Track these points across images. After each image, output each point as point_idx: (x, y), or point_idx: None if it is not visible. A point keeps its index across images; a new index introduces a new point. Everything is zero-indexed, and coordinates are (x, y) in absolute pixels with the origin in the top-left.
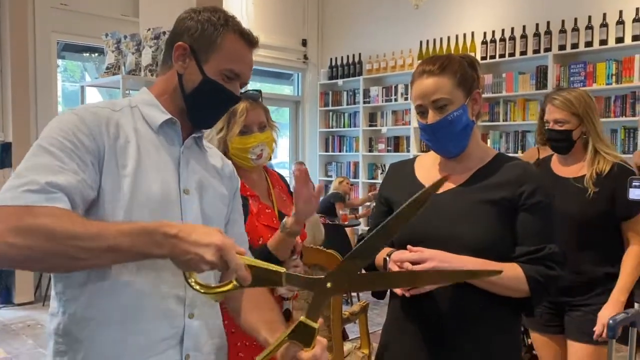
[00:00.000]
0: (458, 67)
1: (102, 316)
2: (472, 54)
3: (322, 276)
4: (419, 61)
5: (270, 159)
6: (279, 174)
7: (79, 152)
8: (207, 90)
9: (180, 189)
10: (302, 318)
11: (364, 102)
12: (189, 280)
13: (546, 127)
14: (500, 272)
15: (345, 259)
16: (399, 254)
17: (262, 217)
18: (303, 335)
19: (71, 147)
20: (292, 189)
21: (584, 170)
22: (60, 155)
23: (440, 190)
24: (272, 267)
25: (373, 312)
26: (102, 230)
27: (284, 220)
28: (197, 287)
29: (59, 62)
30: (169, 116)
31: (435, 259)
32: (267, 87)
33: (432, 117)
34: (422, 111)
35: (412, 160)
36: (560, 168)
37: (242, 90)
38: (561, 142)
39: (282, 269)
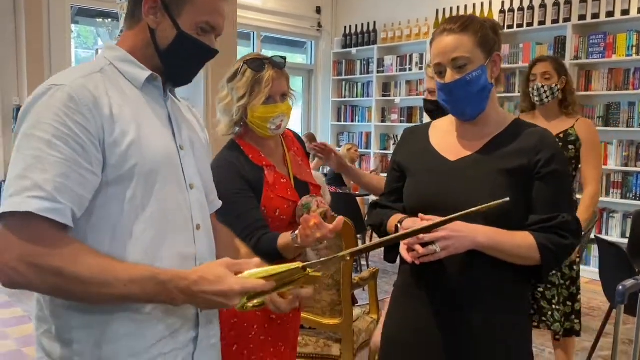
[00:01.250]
0: (480, 27)
1: None
2: None
3: (339, 255)
4: (434, 30)
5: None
6: (294, 133)
7: (77, 138)
8: (183, 46)
9: (177, 145)
10: (309, 270)
11: (378, 72)
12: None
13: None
14: (506, 200)
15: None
16: (410, 222)
17: (278, 189)
18: (307, 280)
19: (68, 133)
20: (308, 150)
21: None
22: (59, 146)
23: (455, 158)
24: (288, 267)
25: (382, 280)
26: (112, 277)
27: (295, 234)
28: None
29: (73, 27)
30: (149, 72)
31: (447, 228)
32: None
33: (450, 76)
34: (440, 71)
35: (427, 125)
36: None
37: (270, 56)
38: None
39: (298, 264)
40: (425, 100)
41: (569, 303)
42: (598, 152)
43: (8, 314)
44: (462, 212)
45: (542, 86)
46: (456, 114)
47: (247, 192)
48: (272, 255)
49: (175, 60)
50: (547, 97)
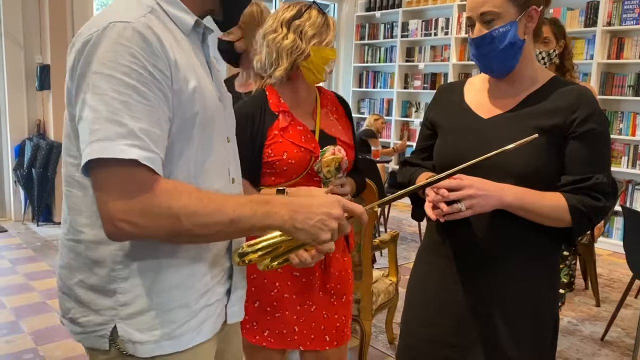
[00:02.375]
0: None
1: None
2: None
3: (367, 207)
4: None
5: None
6: (336, 95)
7: (158, 84)
8: None
9: (217, 96)
10: None
11: (402, 36)
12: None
13: None
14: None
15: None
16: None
17: (291, 133)
18: None
19: (150, 79)
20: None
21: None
22: (145, 92)
23: (488, 116)
24: None
25: (400, 246)
26: (221, 204)
27: (284, 189)
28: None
29: None
30: (195, 17)
31: (473, 186)
32: None
33: (477, 31)
34: (471, 24)
35: (462, 82)
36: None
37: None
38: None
39: None
40: None
41: None
42: None
43: (33, 267)
44: (490, 154)
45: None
46: (484, 70)
47: (245, 145)
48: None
49: (237, 3)
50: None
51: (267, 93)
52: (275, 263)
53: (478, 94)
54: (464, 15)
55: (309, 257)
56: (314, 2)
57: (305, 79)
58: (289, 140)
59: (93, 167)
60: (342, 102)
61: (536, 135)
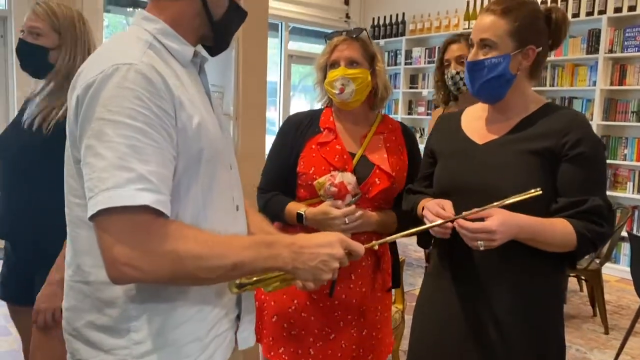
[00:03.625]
0: (524, 15)
1: None
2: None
3: (367, 245)
4: (465, 22)
5: (361, 99)
6: (403, 126)
7: (164, 125)
8: (234, 14)
9: (218, 125)
10: None
11: (406, 64)
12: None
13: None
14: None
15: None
16: (433, 204)
17: (327, 150)
18: None
19: (156, 120)
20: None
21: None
22: (152, 134)
23: (483, 141)
24: None
25: (406, 272)
26: (226, 248)
27: (303, 212)
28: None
29: (104, 17)
30: (193, 48)
31: (497, 231)
32: (307, 47)
33: (472, 54)
34: (471, 45)
35: (460, 111)
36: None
37: (347, 29)
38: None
39: None
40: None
41: None
42: None
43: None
44: (494, 204)
45: (457, 72)
46: (472, 92)
47: (286, 150)
48: (278, 217)
49: (227, 29)
50: (464, 83)
51: (323, 110)
52: (277, 283)
53: (474, 121)
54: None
55: (311, 284)
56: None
57: (332, 100)
58: (322, 155)
59: (101, 213)
60: (406, 133)
61: (540, 191)
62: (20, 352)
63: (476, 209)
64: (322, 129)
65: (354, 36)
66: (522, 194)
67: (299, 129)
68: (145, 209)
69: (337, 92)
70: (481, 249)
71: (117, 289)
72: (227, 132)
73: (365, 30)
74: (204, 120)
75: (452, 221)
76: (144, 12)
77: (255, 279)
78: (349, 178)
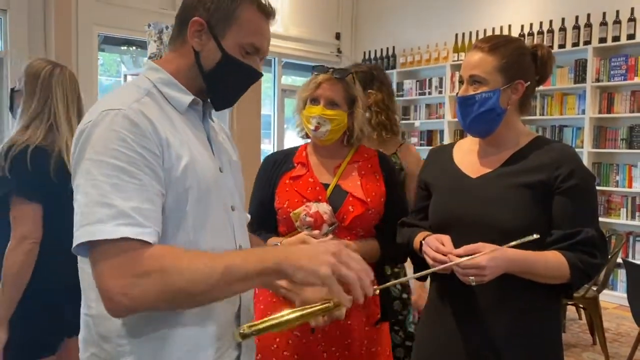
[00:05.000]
0: (511, 52)
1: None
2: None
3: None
4: (454, 54)
5: (334, 138)
6: (381, 155)
7: (148, 163)
8: (227, 68)
9: (218, 168)
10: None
11: (398, 96)
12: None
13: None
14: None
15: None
16: (433, 240)
17: (300, 183)
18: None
19: (139, 159)
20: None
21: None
22: (134, 172)
23: (476, 175)
24: (321, 305)
25: None
26: (214, 256)
27: (278, 244)
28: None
29: (98, 56)
30: (192, 97)
31: (488, 267)
32: (300, 81)
33: (463, 90)
34: (461, 81)
35: (451, 145)
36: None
37: (336, 67)
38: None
39: (330, 303)
40: None
41: None
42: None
43: None
44: (492, 250)
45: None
46: (463, 127)
47: (264, 187)
48: None
49: (220, 83)
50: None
51: (299, 147)
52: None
53: (466, 155)
54: (457, 74)
55: (321, 320)
56: (314, 66)
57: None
58: (295, 189)
59: (89, 248)
60: (383, 160)
61: (537, 236)
62: None
63: (470, 257)
64: (295, 164)
65: (338, 77)
66: (520, 239)
67: (275, 166)
68: (127, 240)
69: (312, 128)
70: (473, 284)
71: (111, 324)
72: (235, 176)
73: (353, 73)
74: (194, 161)
75: (447, 267)
76: (151, 63)
77: (260, 327)
78: (324, 208)
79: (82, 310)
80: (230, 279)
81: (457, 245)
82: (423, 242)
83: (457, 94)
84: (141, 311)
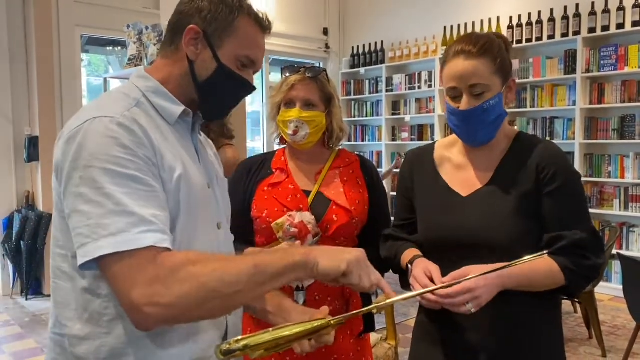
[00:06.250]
0: (498, 51)
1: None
2: None
3: (363, 310)
4: (443, 48)
5: (314, 141)
6: (362, 159)
7: (153, 169)
8: (222, 79)
9: (206, 184)
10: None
11: (387, 91)
12: None
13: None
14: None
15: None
16: (420, 263)
17: (280, 190)
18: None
19: (145, 165)
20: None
21: None
22: (144, 179)
23: (467, 193)
24: (318, 323)
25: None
26: (237, 258)
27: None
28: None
29: (83, 56)
30: (182, 107)
31: (478, 287)
32: None
33: (466, 103)
34: (455, 95)
35: (431, 148)
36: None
37: (310, 66)
38: None
39: (325, 320)
40: None
41: None
42: None
43: (20, 345)
44: (493, 269)
45: None
46: (467, 141)
47: (239, 196)
48: None
49: (213, 93)
50: None
51: (276, 152)
52: (262, 351)
53: (453, 169)
54: None
55: (307, 346)
56: (292, 65)
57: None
58: (274, 197)
59: (105, 262)
60: (364, 165)
61: (545, 253)
62: None
63: (451, 282)
64: (273, 170)
65: (312, 76)
66: (529, 257)
67: (250, 174)
68: (149, 249)
69: (290, 133)
70: (472, 310)
71: (89, 345)
72: (222, 193)
73: (325, 71)
74: (186, 174)
75: (432, 292)
76: (141, 71)
77: (244, 343)
78: (308, 217)
79: (53, 329)
80: (261, 277)
81: (456, 266)
82: (411, 267)
83: (452, 107)
84: (171, 322)
